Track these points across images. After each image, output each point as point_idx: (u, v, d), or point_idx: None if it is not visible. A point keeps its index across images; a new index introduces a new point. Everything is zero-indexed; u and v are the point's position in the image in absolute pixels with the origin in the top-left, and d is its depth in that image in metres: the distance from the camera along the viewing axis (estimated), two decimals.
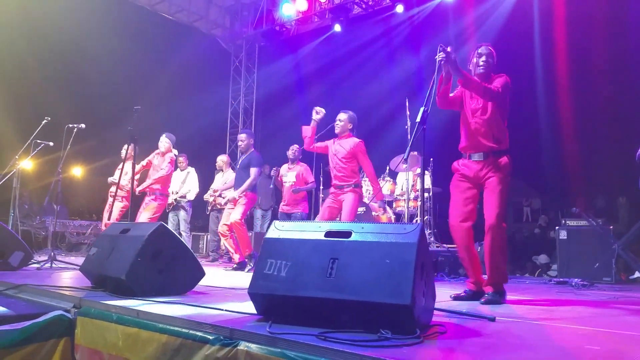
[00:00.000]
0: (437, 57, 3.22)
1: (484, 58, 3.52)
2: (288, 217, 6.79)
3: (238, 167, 6.15)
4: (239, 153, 6.43)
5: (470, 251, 3.48)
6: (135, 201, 6.71)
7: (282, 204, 7.01)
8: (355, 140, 5.05)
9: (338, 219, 5.56)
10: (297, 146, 7.11)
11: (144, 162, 6.62)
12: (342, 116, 5.14)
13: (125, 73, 10.08)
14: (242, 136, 6.27)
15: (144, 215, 6.28)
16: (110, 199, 6.66)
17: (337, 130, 5.14)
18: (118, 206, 6.63)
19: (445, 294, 3.52)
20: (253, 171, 5.97)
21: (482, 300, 3.22)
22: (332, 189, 5.16)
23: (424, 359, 1.60)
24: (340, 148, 5.06)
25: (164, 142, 6.49)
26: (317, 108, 5.12)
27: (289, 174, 6.97)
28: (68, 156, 5.79)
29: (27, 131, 5.93)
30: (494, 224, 3.25)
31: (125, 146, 6.15)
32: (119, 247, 3.24)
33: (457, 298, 3.44)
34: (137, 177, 6.49)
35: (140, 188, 6.38)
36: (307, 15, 10.49)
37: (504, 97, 3.46)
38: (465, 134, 3.56)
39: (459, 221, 3.43)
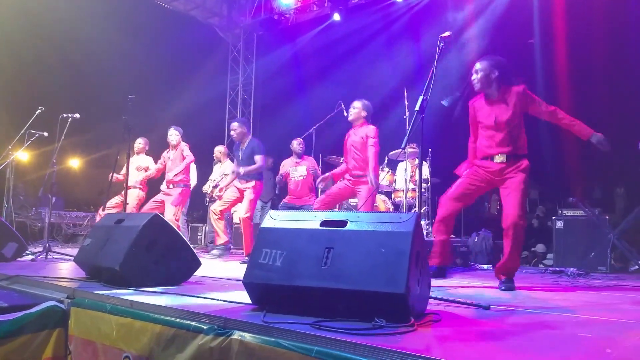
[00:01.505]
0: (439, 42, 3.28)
1: (476, 75, 3.59)
2: (297, 209, 6.70)
3: (241, 159, 5.75)
4: (236, 144, 6.06)
5: (449, 225, 3.63)
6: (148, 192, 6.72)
7: (288, 196, 6.91)
8: (370, 127, 4.93)
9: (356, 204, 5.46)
10: (301, 139, 7.05)
11: (159, 165, 6.54)
12: (357, 104, 5.01)
13: (121, 63, 10.00)
14: (234, 125, 5.85)
15: (170, 210, 6.07)
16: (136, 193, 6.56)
17: (350, 118, 5.04)
18: (134, 195, 6.52)
19: (440, 284, 3.52)
20: (258, 159, 5.59)
21: (502, 287, 3.40)
22: (347, 176, 5.00)
23: (417, 346, 1.59)
24: (356, 138, 4.95)
25: (174, 134, 6.36)
26: None
27: (299, 168, 6.84)
28: (65, 147, 5.75)
29: (22, 121, 5.88)
30: (516, 221, 3.43)
31: (139, 140, 6.11)
32: (114, 237, 3.22)
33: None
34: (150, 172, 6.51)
35: (169, 178, 6.22)
36: (306, 4, 10.38)
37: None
38: (484, 144, 3.64)
39: (454, 199, 3.58)
